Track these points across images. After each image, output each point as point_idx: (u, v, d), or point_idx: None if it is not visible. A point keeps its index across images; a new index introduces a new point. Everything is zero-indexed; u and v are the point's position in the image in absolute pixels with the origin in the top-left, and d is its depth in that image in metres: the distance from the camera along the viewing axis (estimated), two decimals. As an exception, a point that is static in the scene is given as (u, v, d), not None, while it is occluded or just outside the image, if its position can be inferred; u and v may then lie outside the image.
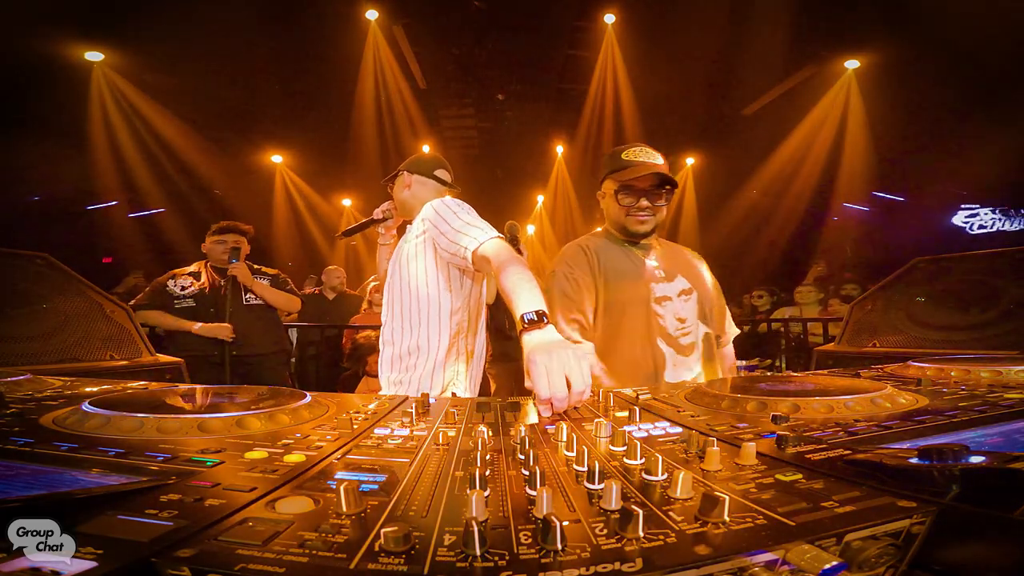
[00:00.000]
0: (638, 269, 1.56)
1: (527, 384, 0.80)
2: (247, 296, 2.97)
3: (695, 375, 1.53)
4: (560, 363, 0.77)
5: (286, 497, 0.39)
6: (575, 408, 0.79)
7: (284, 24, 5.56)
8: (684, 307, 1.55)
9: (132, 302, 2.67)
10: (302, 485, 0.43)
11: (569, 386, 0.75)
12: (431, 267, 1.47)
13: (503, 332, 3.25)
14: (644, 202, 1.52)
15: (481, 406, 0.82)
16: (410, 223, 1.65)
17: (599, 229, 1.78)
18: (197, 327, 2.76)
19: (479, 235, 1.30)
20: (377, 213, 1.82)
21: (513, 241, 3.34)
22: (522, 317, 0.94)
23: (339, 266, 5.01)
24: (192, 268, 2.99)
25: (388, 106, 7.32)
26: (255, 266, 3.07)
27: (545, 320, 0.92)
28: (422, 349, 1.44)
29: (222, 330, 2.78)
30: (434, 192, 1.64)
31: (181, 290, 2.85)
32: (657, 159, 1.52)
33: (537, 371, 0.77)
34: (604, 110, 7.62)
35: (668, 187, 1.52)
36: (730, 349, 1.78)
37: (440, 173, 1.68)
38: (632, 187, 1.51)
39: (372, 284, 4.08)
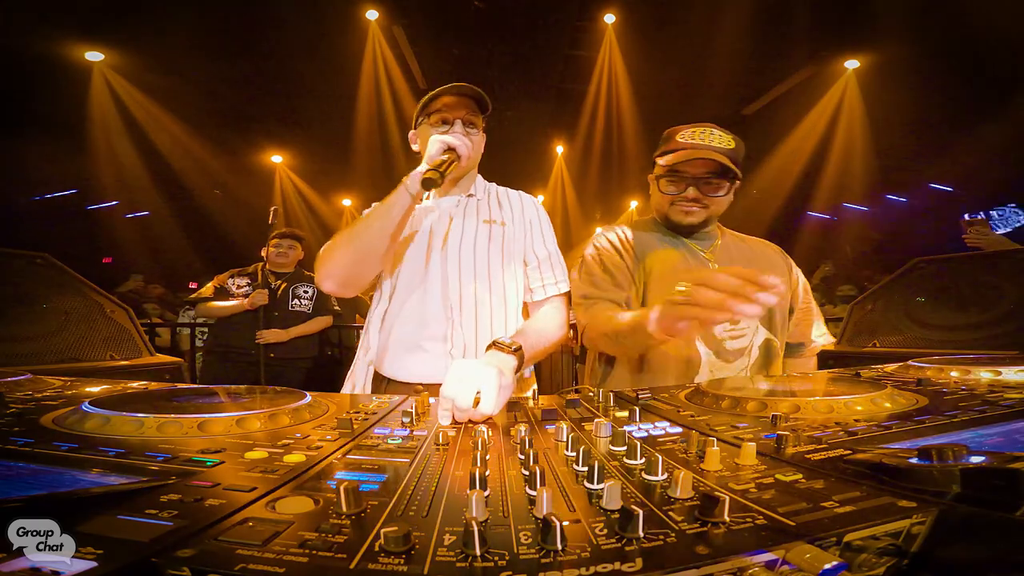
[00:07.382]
0: (682, 260, 1.35)
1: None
2: (293, 303, 3.27)
3: None
4: (478, 379, 0.73)
5: (286, 497, 0.39)
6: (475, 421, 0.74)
7: (284, 24, 5.56)
8: None
9: (192, 296, 3.41)
10: (302, 485, 0.43)
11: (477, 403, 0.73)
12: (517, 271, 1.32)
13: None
14: (692, 191, 1.30)
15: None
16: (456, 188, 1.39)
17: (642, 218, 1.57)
18: (246, 303, 3.07)
19: (565, 279, 1.32)
20: (457, 144, 1.16)
21: None
22: (499, 339, 0.95)
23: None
24: (250, 269, 3.32)
25: (388, 106, 7.33)
26: (306, 272, 3.37)
27: (509, 351, 0.93)
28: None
29: (260, 295, 3.08)
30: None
31: (236, 288, 3.19)
32: (721, 143, 1.29)
33: (452, 373, 0.76)
34: (604, 110, 7.61)
35: (727, 177, 1.29)
36: (812, 363, 1.51)
37: None
38: (680, 173, 1.31)
39: None
